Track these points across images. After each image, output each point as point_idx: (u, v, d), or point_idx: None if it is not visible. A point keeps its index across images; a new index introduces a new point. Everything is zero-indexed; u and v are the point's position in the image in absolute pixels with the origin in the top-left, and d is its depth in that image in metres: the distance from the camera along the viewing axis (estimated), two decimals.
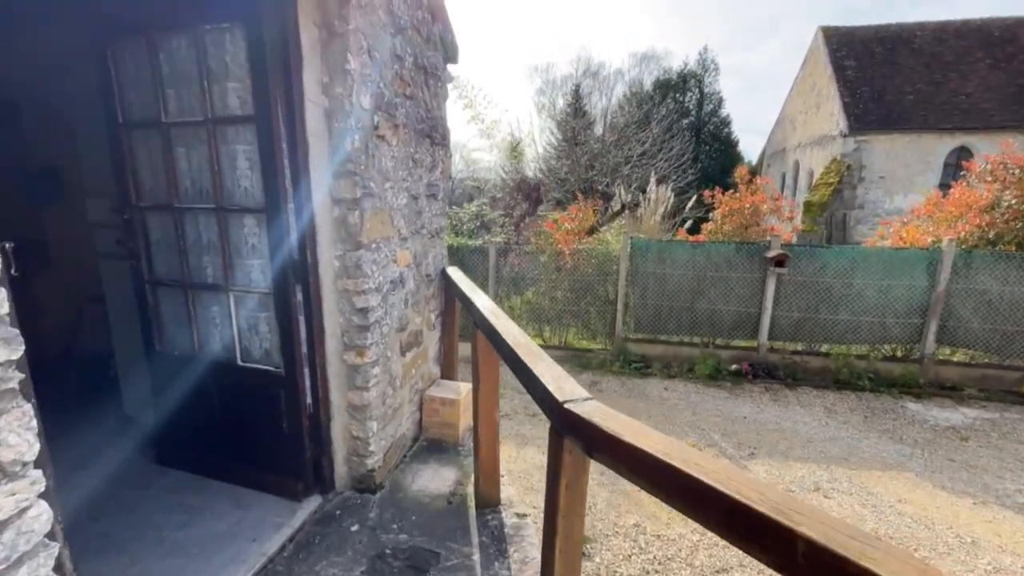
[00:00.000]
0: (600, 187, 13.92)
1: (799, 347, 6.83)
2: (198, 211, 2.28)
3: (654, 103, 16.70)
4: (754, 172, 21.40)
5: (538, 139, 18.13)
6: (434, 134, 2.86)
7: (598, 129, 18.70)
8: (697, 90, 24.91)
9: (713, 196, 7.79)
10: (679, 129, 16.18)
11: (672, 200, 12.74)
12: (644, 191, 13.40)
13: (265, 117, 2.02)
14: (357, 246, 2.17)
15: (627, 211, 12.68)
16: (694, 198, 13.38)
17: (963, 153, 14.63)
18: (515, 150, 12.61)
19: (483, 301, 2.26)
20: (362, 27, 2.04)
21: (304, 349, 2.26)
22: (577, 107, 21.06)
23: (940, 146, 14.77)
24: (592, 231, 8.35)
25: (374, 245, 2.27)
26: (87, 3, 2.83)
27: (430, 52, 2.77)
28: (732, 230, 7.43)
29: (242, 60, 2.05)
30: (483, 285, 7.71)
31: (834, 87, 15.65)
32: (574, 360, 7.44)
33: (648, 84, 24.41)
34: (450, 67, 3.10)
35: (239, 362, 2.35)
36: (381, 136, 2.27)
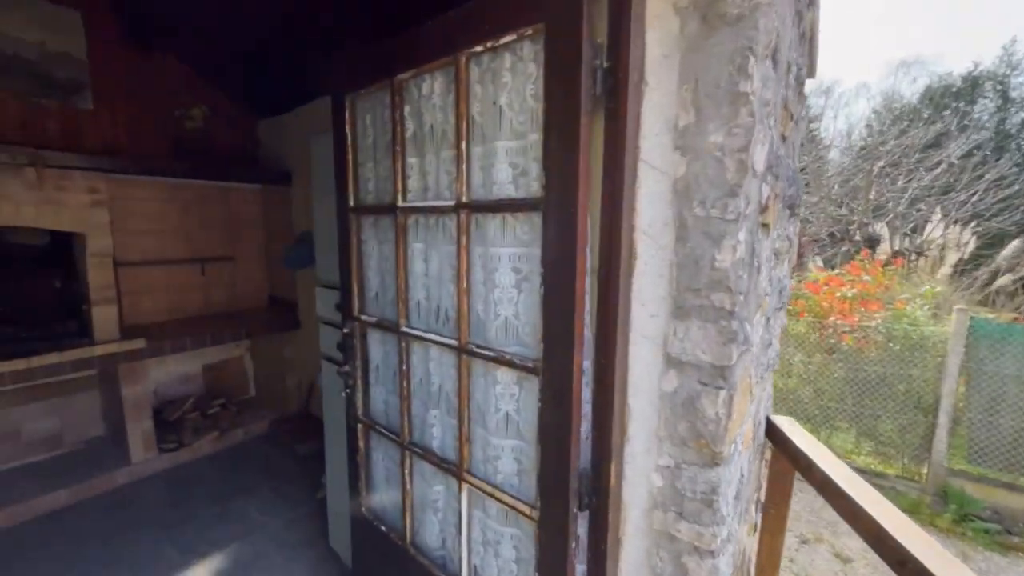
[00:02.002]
0: (855, 229, 10.73)
1: None
2: (430, 342, 1.46)
3: (920, 118, 12.60)
4: None
5: None
6: (796, 200, 1.61)
7: (833, 155, 15.15)
8: (998, 96, 18.47)
9: None
10: (991, 148, 11.65)
11: (971, 246, 9.02)
12: (920, 233, 9.85)
13: (561, 201, 1.05)
14: (712, 460, 1.02)
15: (905, 261, 9.36)
16: (1013, 244, 9.23)
17: None
18: None
19: None
20: (776, 4, 0.93)
21: None
22: (807, 132, 17.55)
23: None
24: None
25: (732, 446, 1.10)
26: (330, 45, 2.47)
27: (801, 60, 1.55)
28: None
29: (527, 96, 1.14)
30: None
31: None
32: None
33: (910, 95, 19.14)
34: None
35: None
36: (765, 224, 1.11)
